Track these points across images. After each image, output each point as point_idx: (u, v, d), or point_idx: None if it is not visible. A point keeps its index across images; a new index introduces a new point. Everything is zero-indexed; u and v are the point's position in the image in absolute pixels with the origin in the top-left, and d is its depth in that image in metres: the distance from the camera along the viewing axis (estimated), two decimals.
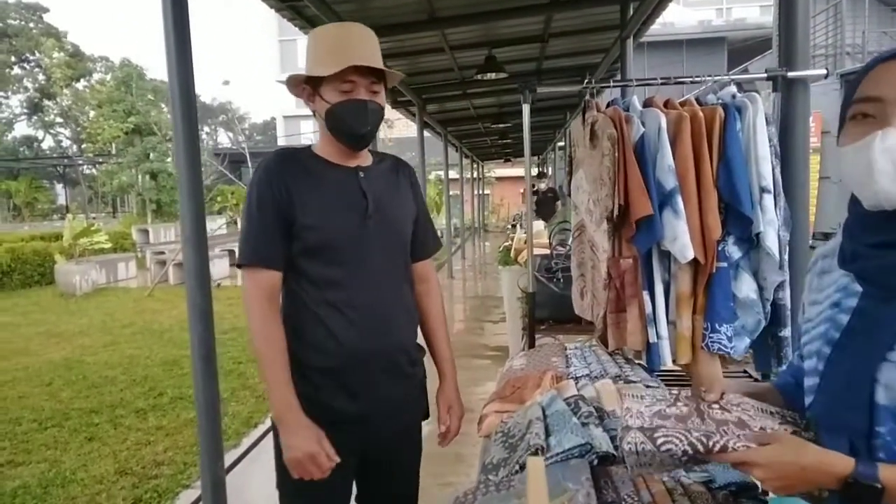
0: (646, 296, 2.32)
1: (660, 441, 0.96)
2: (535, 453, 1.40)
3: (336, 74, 1.49)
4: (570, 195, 2.97)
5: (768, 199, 2.15)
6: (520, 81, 2.74)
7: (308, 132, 39.46)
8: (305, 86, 1.59)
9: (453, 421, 1.86)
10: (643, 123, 2.29)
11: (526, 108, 2.77)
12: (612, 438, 1.44)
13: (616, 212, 2.24)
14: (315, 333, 1.57)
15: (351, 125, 1.55)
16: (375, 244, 1.59)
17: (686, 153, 2.21)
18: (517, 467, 1.41)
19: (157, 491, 3.60)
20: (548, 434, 1.51)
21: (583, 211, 2.71)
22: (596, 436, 1.45)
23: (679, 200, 2.17)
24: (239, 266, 1.57)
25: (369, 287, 1.58)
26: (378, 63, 1.55)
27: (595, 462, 1.37)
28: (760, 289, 2.23)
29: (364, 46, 1.55)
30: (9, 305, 10.75)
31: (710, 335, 2.21)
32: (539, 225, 7.03)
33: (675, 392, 1.04)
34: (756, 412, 1.01)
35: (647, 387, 1.09)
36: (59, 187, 41.90)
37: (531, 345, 2.94)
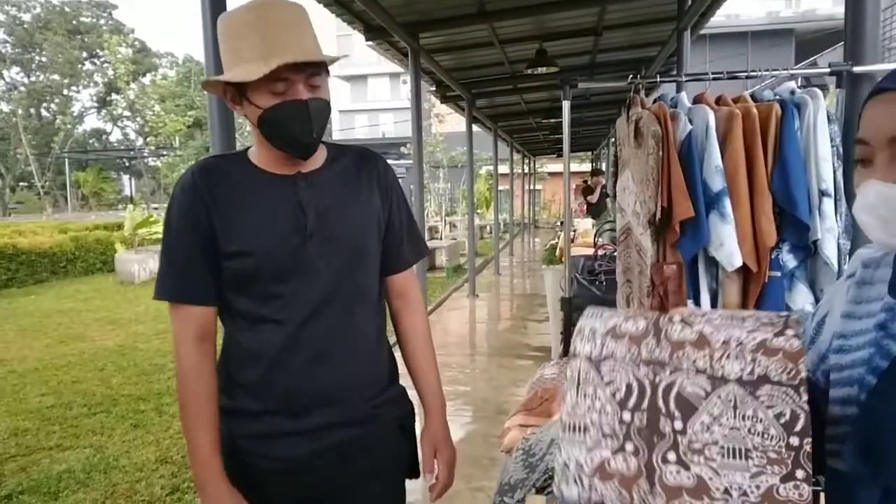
0: (691, 305, 2.18)
1: (605, 369, 0.81)
2: (552, 478, 1.30)
3: (266, 74, 1.19)
4: (615, 197, 2.83)
5: (828, 204, 1.97)
6: (560, 77, 2.61)
7: (363, 125, 39.90)
8: (228, 87, 1.28)
9: (442, 469, 1.49)
10: (690, 121, 2.14)
11: (566, 105, 2.64)
12: None
13: (658, 214, 2.11)
14: (246, 377, 1.32)
15: (292, 133, 1.26)
16: (319, 267, 1.31)
17: (737, 153, 2.05)
18: (533, 491, 1.31)
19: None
20: None
21: (629, 213, 2.58)
22: None
23: (727, 203, 2.02)
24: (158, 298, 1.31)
25: (307, 321, 1.30)
26: (314, 52, 1.25)
27: None
28: (817, 301, 2.06)
29: (294, 32, 1.23)
30: (71, 292, 11.22)
31: None
32: (587, 223, 6.84)
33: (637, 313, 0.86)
34: (723, 321, 0.80)
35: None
36: (125, 178, 43.68)
37: (566, 352, 2.82)
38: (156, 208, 28.81)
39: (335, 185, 1.37)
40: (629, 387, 0.77)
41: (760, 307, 2.06)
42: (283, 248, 1.27)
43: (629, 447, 0.78)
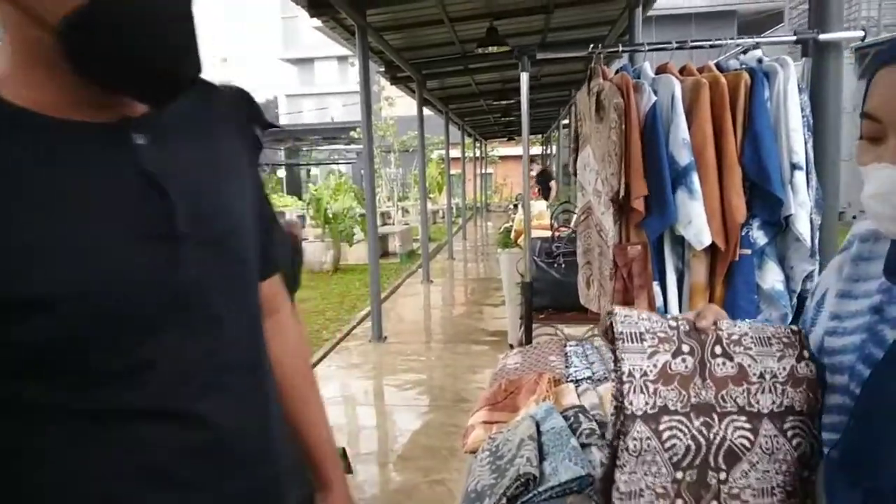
0: (656, 287, 2.08)
1: (665, 435, 0.87)
2: (525, 484, 1.16)
3: None
4: (575, 174, 2.71)
5: (800, 177, 1.89)
6: (516, 49, 2.47)
7: (310, 109, 39.10)
8: None
9: None
10: (655, 92, 2.02)
11: (524, 77, 2.50)
12: None
13: (622, 192, 1.99)
14: None
15: (161, 50, 0.64)
16: (202, 294, 0.72)
17: (704, 125, 1.94)
18: (504, 500, 1.17)
19: None
20: (542, 458, 1.27)
21: (590, 192, 2.46)
22: (598, 462, 1.22)
23: (695, 179, 1.91)
24: None
25: (202, 398, 0.71)
26: None
27: (597, 501, 1.13)
28: (787, 279, 1.98)
29: None
30: None
31: None
32: (541, 205, 6.78)
33: (674, 325, 0.89)
34: (757, 349, 0.89)
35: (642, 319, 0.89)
36: None
37: (528, 340, 2.70)
38: None
39: (188, 140, 0.75)
40: (688, 448, 0.87)
41: (730, 287, 1.97)
42: (136, 273, 0.66)
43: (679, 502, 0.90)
